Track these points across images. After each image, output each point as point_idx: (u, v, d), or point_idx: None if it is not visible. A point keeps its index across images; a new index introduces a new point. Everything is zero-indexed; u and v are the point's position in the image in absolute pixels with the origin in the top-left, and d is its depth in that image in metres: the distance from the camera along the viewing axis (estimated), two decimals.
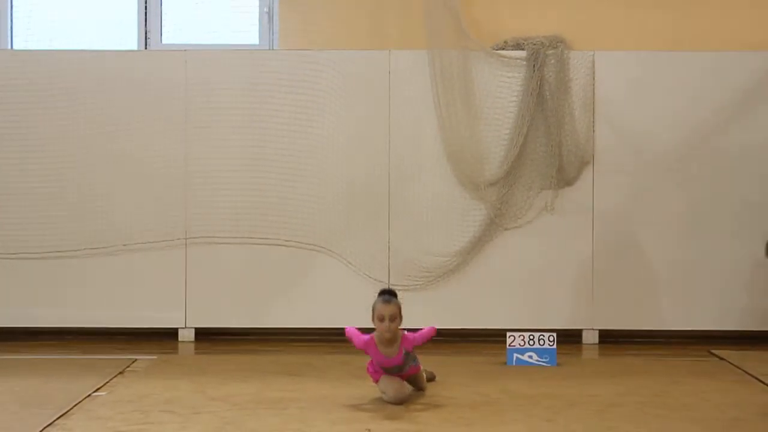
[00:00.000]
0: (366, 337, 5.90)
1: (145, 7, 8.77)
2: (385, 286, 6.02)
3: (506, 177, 8.08)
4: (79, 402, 5.80)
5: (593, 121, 8.07)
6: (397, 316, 5.79)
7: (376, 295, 5.95)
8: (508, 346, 7.16)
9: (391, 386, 5.78)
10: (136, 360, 7.23)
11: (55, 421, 5.37)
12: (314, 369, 6.94)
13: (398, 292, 5.96)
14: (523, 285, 8.13)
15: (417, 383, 6.04)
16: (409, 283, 7.91)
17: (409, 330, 5.90)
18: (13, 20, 8.83)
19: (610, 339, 8.17)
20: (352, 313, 7.97)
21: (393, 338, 5.79)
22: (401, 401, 5.74)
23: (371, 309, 5.87)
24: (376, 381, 5.93)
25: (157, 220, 8.12)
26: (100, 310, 8.14)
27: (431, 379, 6.30)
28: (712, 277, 8.12)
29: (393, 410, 5.63)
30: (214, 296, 8.16)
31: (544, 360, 7.09)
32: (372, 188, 8.09)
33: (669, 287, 8.12)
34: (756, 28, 8.44)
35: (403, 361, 5.84)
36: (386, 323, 5.75)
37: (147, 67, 8.18)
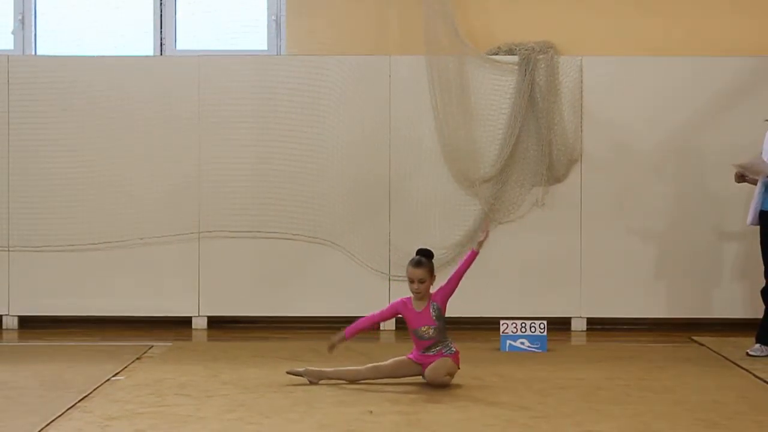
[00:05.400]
0: (397, 301, 5.93)
1: (161, 15, 8.76)
2: (423, 247, 5.96)
3: (499, 174, 8.07)
4: (99, 386, 5.80)
5: (581, 122, 8.07)
6: (426, 279, 5.81)
7: (407, 265, 5.90)
8: (501, 333, 7.16)
9: (376, 368, 5.82)
10: (152, 346, 7.23)
11: (76, 403, 5.37)
12: (320, 354, 6.91)
13: (424, 259, 5.84)
14: (516, 276, 8.12)
15: (439, 373, 5.79)
16: None
17: None
18: (37, 27, 8.82)
19: (597, 326, 8.17)
20: (355, 302, 8.01)
21: (422, 297, 5.84)
22: (357, 381, 5.81)
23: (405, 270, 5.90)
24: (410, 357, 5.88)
25: (172, 216, 8.12)
26: (118, 299, 8.15)
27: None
28: (693, 268, 8.12)
29: (394, 394, 5.63)
30: (225, 286, 8.16)
31: (535, 346, 7.09)
32: (373, 185, 8.09)
33: (653, 278, 8.12)
34: (735, 35, 8.42)
35: (433, 319, 5.77)
36: (415, 285, 5.80)
37: (162, 71, 8.18)
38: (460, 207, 8.10)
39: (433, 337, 5.81)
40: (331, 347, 5.98)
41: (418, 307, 5.83)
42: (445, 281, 5.90)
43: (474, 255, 5.90)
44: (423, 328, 5.81)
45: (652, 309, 8.16)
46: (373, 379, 5.84)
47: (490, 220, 6.03)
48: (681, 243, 8.12)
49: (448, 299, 5.89)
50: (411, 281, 5.83)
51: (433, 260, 5.90)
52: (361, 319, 6.00)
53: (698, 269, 8.12)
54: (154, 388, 5.75)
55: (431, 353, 5.83)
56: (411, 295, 5.88)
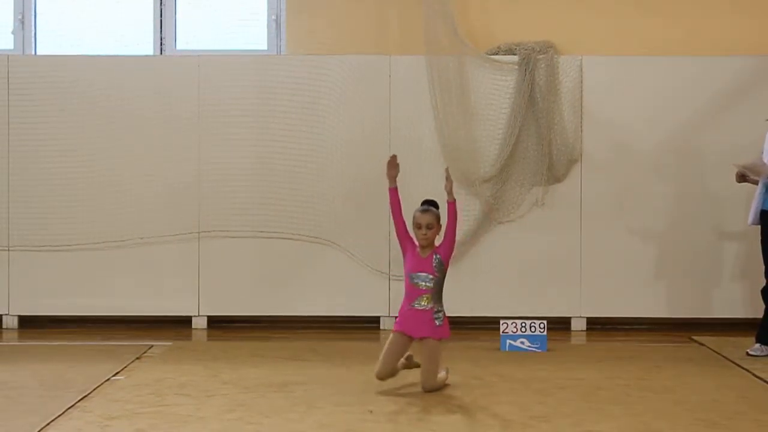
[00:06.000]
0: (410, 237, 5.83)
1: (161, 15, 8.76)
2: (429, 198, 5.93)
3: (499, 174, 8.07)
4: (99, 385, 5.80)
5: (581, 122, 8.07)
6: (434, 225, 5.76)
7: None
8: (501, 333, 7.16)
9: (383, 360, 5.70)
10: (152, 346, 7.23)
11: (76, 403, 5.37)
12: (320, 354, 6.93)
13: (431, 207, 5.83)
14: (516, 275, 8.12)
15: (430, 376, 5.72)
16: None
17: None
18: (37, 27, 8.82)
19: (597, 326, 8.17)
20: (355, 302, 8.02)
21: (428, 245, 5.77)
22: (384, 377, 5.70)
23: (412, 218, 5.81)
24: (394, 329, 5.78)
25: (172, 215, 8.12)
26: (118, 299, 8.15)
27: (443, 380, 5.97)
28: (693, 268, 8.11)
29: (394, 393, 5.62)
30: (225, 286, 8.16)
31: (535, 346, 7.09)
32: (373, 185, 8.06)
33: (653, 278, 8.12)
34: (735, 35, 8.42)
35: (433, 270, 5.70)
36: (423, 230, 5.74)
37: (162, 71, 8.18)
38: (461, 207, 8.06)
39: (429, 288, 5.71)
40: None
41: (423, 253, 5.76)
42: (442, 238, 5.82)
43: (453, 205, 5.82)
44: (422, 275, 5.71)
45: (652, 309, 8.16)
46: (393, 365, 5.75)
47: (449, 174, 5.89)
48: (681, 243, 8.12)
49: (450, 254, 5.80)
50: (418, 227, 5.74)
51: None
52: (396, 202, 5.88)
53: (698, 269, 8.12)
54: (154, 388, 5.75)
55: (419, 307, 5.69)
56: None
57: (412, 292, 5.74)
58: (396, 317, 5.83)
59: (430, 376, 5.70)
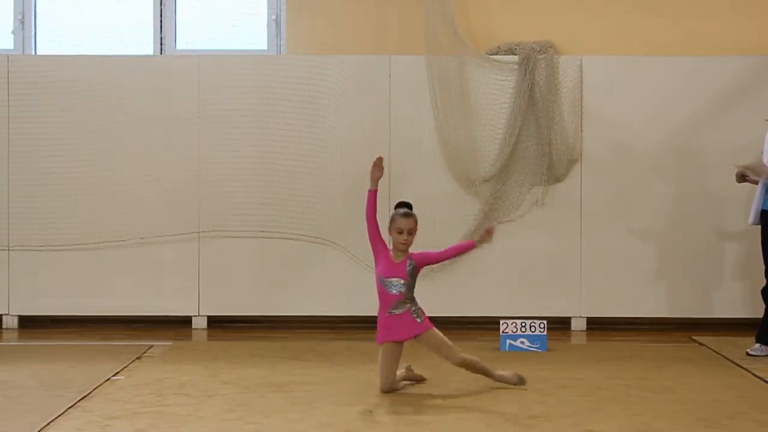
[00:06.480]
0: (383, 241, 5.76)
1: (161, 15, 8.76)
2: (403, 200, 5.90)
3: (500, 174, 8.07)
4: (99, 385, 5.80)
5: (581, 122, 8.06)
6: (414, 231, 5.72)
7: (393, 208, 5.83)
8: (501, 333, 7.16)
9: (382, 373, 5.68)
10: (152, 346, 7.23)
11: (76, 403, 5.37)
12: (320, 354, 6.94)
13: (411, 211, 5.79)
14: (516, 275, 8.12)
15: (436, 348, 5.72)
16: None
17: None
18: (37, 27, 8.82)
19: (597, 326, 8.16)
20: (355, 301, 8.02)
21: (404, 249, 5.72)
22: (390, 389, 5.66)
23: (389, 220, 5.76)
24: (379, 341, 5.73)
25: (172, 215, 8.12)
26: (118, 299, 8.15)
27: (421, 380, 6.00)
28: (693, 268, 8.11)
29: (394, 394, 5.62)
30: (225, 286, 8.16)
31: (535, 346, 7.09)
32: None
33: (653, 277, 8.12)
34: (735, 35, 8.42)
35: (407, 275, 5.65)
36: (404, 235, 5.68)
37: (162, 71, 8.18)
38: (460, 207, 8.10)
39: (401, 293, 5.67)
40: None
41: (397, 257, 5.70)
42: (430, 250, 5.77)
43: (471, 246, 5.82)
44: (394, 279, 5.67)
45: (652, 309, 8.15)
46: (393, 374, 5.72)
47: (495, 227, 5.85)
48: (681, 243, 8.11)
49: (423, 266, 5.77)
50: (399, 231, 5.68)
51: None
52: (372, 204, 5.81)
53: (698, 269, 8.12)
54: (154, 388, 5.75)
55: (397, 312, 5.67)
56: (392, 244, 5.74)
57: (386, 298, 5.70)
58: (375, 328, 5.77)
59: (450, 354, 5.70)
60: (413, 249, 5.78)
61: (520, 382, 5.78)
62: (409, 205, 5.84)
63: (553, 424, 4.97)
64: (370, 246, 5.81)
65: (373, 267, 5.78)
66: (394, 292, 5.68)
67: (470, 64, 8.09)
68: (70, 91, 8.10)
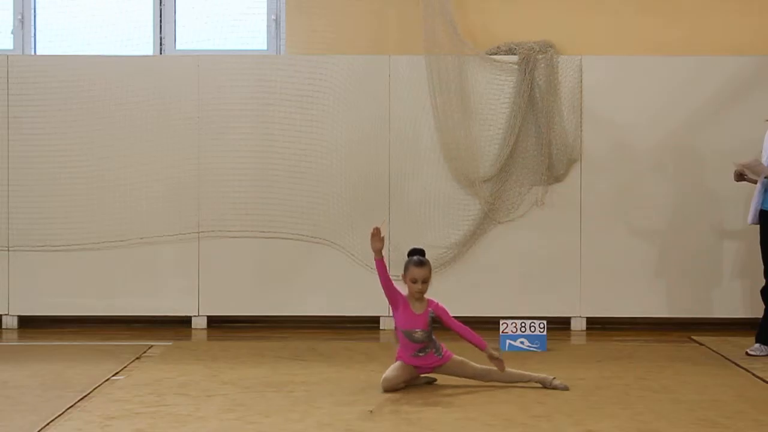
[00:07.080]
0: (402, 294, 5.78)
1: (161, 15, 8.76)
2: (416, 247, 5.90)
3: (499, 174, 8.07)
4: (99, 385, 5.80)
5: (581, 121, 8.07)
6: (428, 279, 5.76)
7: (407, 256, 5.84)
8: (501, 333, 7.16)
9: (389, 375, 5.70)
10: (152, 346, 7.23)
11: (76, 403, 5.37)
12: (319, 354, 6.93)
13: (425, 259, 5.80)
14: (516, 275, 8.13)
15: (458, 370, 5.82)
16: None
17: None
18: (36, 27, 8.82)
19: (596, 326, 8.17)
20: (355, 302, 8.02)
21: (422, 298, 5.77)
22: (390, 389, 5.66)
23: (404, 268, 5.78)
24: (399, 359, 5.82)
25: (171, 215, 8.12)
26: (118, 299, 8.15)
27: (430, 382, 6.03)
28: (693, 268, 8.11)
29: (394, 394, 5.62)
30: (225, 286, 8.16)
31: (534, 346, 7.09)
32: (373, 185, 8.09)
33: (652, 277, 8.12)
34: (735, 34, 8.42)
35: (428, 325, 5.71)
36: (419, 285, 5.72)
37: (162, 71, 8.18)
38: (460, 206, 8.10)
39: (423, 341, 5.76)
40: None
41: (417, 309, 5.76)
42: (448, 312, 5.80)
43: (480, 347, 5.77)
44: (417, 331, 5.75)
45: (652, 309, 8.16)
46: (398, 384, 5.74)
47: (504, 365, 5.86)
48: (680, 243, 8.12)
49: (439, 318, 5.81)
50: (414, 281, 5.74)
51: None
52: (383, 271, 5.75)
53: (698, 269, 8.12)
54: (154, 388, 5.75)
55: (422, 355, 5.78)
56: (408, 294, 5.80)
57: (409, 345, 5.78)
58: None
59: (483, 374, 5.80)
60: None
61: (562, 386, 5.76)
62: (422, 252, 5.86)
63: (553, 424, 4.97)
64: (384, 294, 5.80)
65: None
66: (418, 341, 5.76)
67: (470, 63, 8.09)
68: (70, 91, 8.10)
